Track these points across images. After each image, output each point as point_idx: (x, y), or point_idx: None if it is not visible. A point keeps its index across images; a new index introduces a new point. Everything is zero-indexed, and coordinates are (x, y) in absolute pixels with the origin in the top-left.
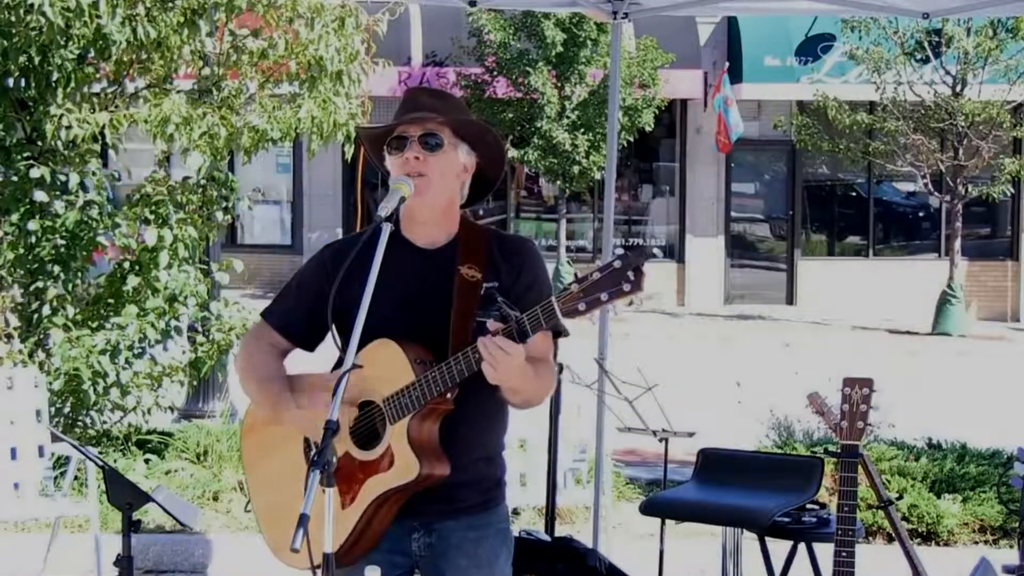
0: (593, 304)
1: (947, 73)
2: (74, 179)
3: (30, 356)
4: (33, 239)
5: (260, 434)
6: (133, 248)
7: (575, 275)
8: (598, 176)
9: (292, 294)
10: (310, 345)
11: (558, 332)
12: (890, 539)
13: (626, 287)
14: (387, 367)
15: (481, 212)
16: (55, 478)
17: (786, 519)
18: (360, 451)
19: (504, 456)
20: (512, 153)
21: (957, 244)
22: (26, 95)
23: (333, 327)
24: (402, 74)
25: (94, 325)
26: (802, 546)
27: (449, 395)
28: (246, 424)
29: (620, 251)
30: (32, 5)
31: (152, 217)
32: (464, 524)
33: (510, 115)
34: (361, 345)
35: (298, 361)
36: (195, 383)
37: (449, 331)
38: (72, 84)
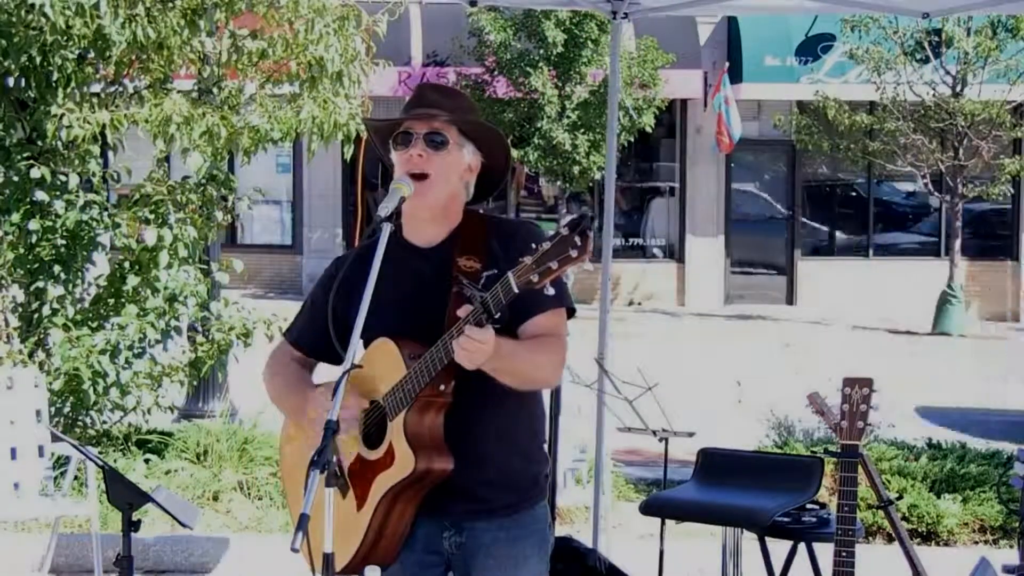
0: (545, 274)
1: (947, 73)
2: (74, 179)
3: (30, 356)
4: (33, 239)
5: (298, 443)
6: (133, 248)
7: (531, 247)
8: (598, 176)
9: (307, 310)
10: (334, 358)
11: (571, 309)
12: (890, 539)
13: (573, 253)
14: (385, 365)
15: (481, 212)
16: (55, 478)
17: (786, 519)
18: (369, 451)
19: (545, 450)
20: (512, 153)
21: (957, 244)
22: (26, 95)
23: (334, 336)
24: (402, 74)
25: (94, 325)
26: (802, 546)
27: (443, 387)
28: (284, 433)
29: (568, 218)
30: (33, 5)
31: (152, 217)
32: (495, 525)
33: (510, 115)
34: (365, 348)
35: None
36: (195, 383)
37: (446, 325)
38: (72, 84)
